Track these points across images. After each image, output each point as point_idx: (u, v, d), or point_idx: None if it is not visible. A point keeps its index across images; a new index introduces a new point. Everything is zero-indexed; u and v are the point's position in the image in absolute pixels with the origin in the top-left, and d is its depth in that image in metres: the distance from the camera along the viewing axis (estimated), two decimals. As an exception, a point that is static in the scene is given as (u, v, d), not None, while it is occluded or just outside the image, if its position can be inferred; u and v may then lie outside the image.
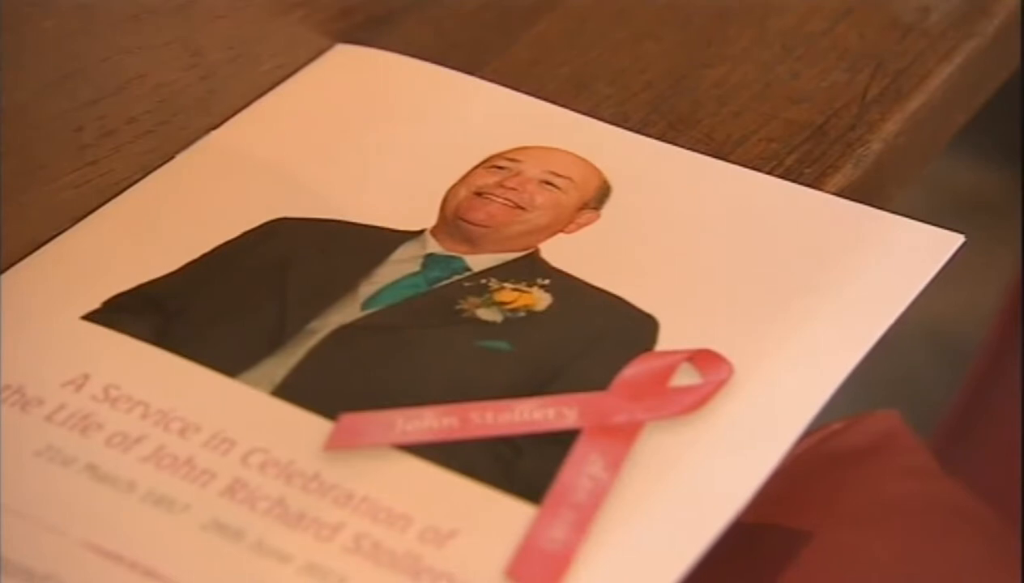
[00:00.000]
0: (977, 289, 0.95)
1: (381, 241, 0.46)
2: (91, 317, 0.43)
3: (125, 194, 0.47)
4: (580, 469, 0.39)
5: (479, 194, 0.47)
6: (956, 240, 0.45)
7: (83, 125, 0.46)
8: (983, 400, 0.80)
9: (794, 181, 0.48)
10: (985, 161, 1.21)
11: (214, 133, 0.50)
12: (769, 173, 0.48)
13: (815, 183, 0.48)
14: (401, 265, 0.45)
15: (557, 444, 0.39)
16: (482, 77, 0.52)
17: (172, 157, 0.49)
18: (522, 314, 0.43)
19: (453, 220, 0.47)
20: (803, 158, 0.49)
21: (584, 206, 0.47)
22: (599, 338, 0.43)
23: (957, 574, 0.48)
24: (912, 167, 0.52)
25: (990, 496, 0.54)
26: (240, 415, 0.41)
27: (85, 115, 0.46)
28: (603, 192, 0.48)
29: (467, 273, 0.45)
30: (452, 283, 0.44)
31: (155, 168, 0.48)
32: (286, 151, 0.50)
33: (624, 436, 0.40)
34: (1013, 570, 0.49)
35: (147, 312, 0.44)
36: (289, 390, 0.41)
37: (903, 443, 0.53)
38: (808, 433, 0.41)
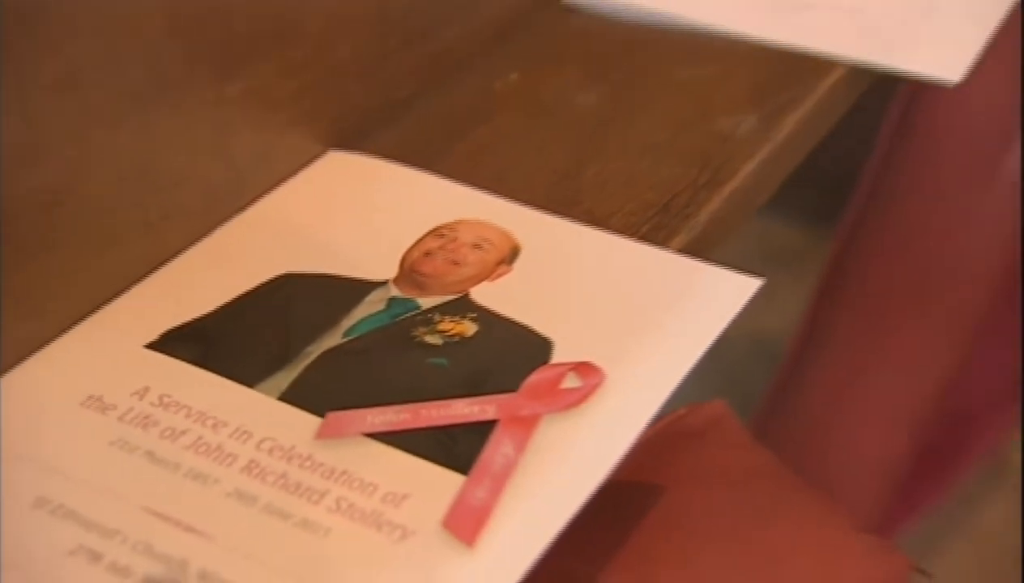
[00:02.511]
0: (789, 309, 0.96)
1: (358, 288, 0.45)
2: (151, 345, 0.43)
3: (178, 258, 0.47)
4: (497, 449, 0.38)
5: (427, 254, 0.47)
6: (758, 282, 0.45)
7: (145, 211, 0.45)
8: (785, 394, 0.80)
9: (648, 243, 0.47)
10: (790, 220, 1.21)
11: (241, 214, 0.49)
12: (631, 238, 0.48)
13: (662, 244, 0.48)
14: (372, 305, 0.45)
15: (481, 432, 0.39)
16: (436, 170, 0.52)
17: (211, 232, 0.48)
18: (457, 339, 0.43)
19: (409, 273, 0.46)
20: (654, 227, 0.49)
21: (502, 262, 0.47)
22: (511, 355, 0.42)
23: (763, 517, 0.47)
24: (729, 231, 0.51)
25: (791, 461, 0.54)
26: (255, 414, 0.40)
27: (151, 203, 0.45)
28: (515, 252, 0.47)
29: (418, 310, 0.44)
30: (408, 317, 0.44)
31: (199, 239, 0.47)
32: (293, 227, 0.49)
33: (528, 425, 0.39)
34: (803, 513, 0.49)
35: (191, 342, 0.43)
36: (291, 396, 0.41)
37: (729, 424, 0.53)
38: (660, 417, 0.41)
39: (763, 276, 0.45)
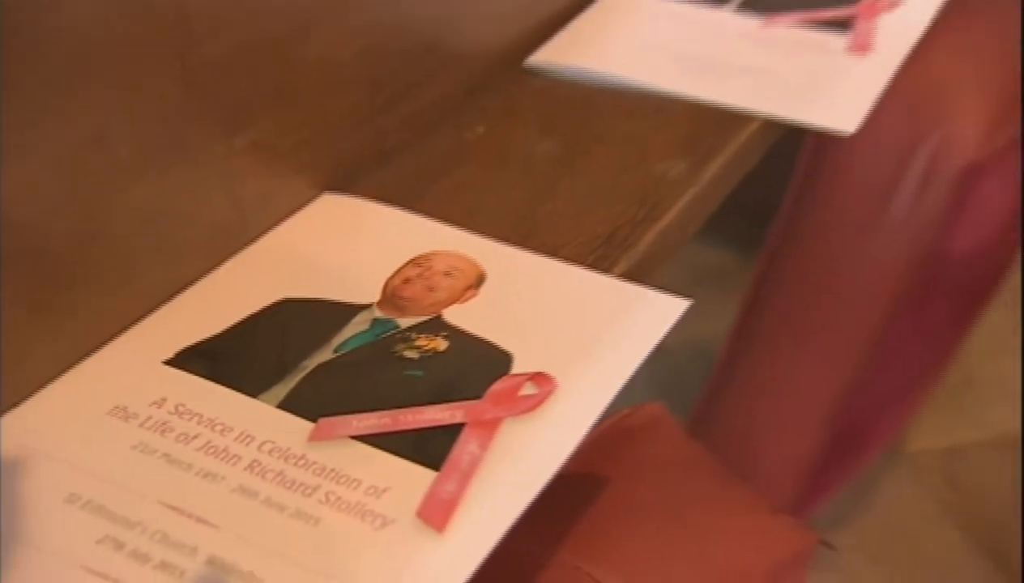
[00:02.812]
0: (722, 322, 0.96)
1: (346, 311, 0.45)
2: (168, 362, 0.42)
3: (191, 288, 0.46)
4: (464, 448, 0.38)
5: (407, 281, 0.47)
6: (687, 303, 0.45)
7: (164, 247, 0.45)
8: (716, 397, 0.80)
9: (594, 270, 0.47)
10: (724, 246, 1.21)
11: (247, 249, 0.49)
12: (579, 265, 0.48)
13: (606, 271, 0.48)
14: (358, 325, 0.44)
15: (450, 433, 0.39)
16: (414, 209, 0.51)
17: (220, 264, 0.47)
18: (431, 354, 0.43)
19: (390, 297, 0.46)
20: (599, 257, 0.48)
21: (470, 287, 0.46)
22: (477, 367, 0.42)
23: (695, 502, 0.47)
24: (663, 259, 0.51)
25: (721, 455, 0.54)
26: (257, 420, 0.40)
27: (169, 241, 0.45)
28: (481, 279, 0.47)
29: (398, 329, 0.44)
30: (389, 335, 0.44)
31: (209, 271, 0.47)
32: (291, 259, 0.48)
33: (491, 427, 0.39)
34: (730, 498, 0.49)
35: (202, 358, 0.42)
36: (288, 404, 0.40)
37: (666, 423, 0.53)
38: (607, 416, 0.41)
39: (696, 296, 0.45)
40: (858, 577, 0.88)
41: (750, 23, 0.67)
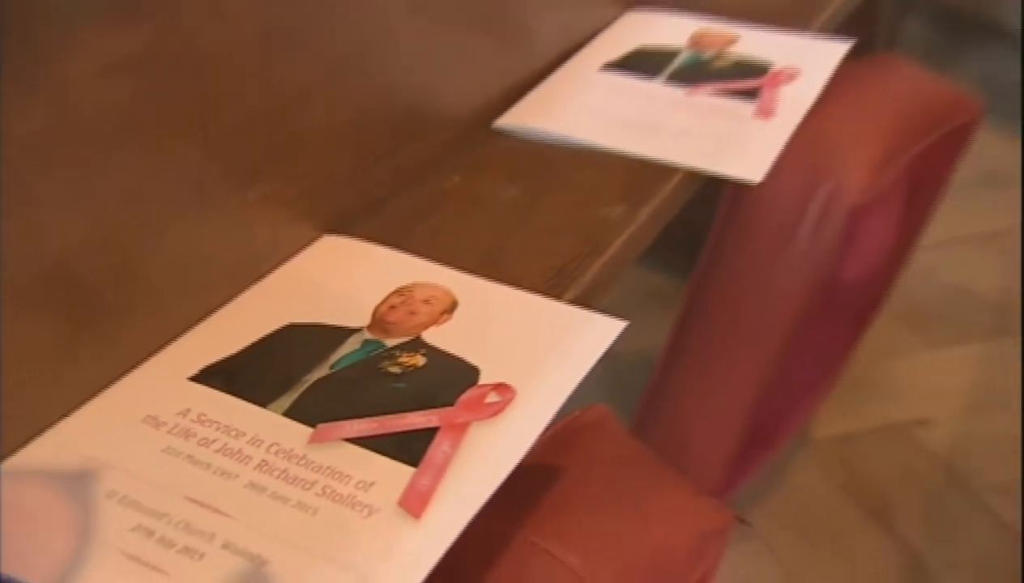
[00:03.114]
0: (662, 334, 0.96)
1: (342, 333, 0.45)
2: (193, 378, 0.42)
3: (212, 317, 0.46)
4: (438, 448, 0.38)
5: (392, 308, 0.47)
6: (623, 323, 0.45)
7: (189, 283, 0.45)
8: (654, 399, 0.80)
9: (547, 297, 0.48)
10: (664, 272, 1.21)
11: (258, 283, 0.48)
12: (536, 293, 0.48)
13: (557, 297, 0.48)
14: (351, 345, 0.44)
15: (427, 435, 0.39)
16: (400, 247, 0.51)
17: (236, 297, 0.47)
18: (412, 369, 0.43)
19: (378, 321, 0.46)
20: (552, 286, 0.49)
21: (445, 312, 0.47)
22: (450, 379, 0.42)
23: (634, 489, 0.47)
24: (606, 287, 0.51)
25: (659, 448, 0.53)
26: (266, 426, 0.39)
27: (192, 278, 0.45)
28: (454, 305, 0.47)
29: (384, 348, 0.44)
30: (377, 354, 0.44)
31: (227, 302, 0.47)
32: (295, 291, 0.48)
33: (461, 430, 0.39)
34: (662, 485, 0.49)
35: (221, 375, 0.42)
36: (292, 412, 0.40)
37: (610, 422, 0.52)
38: (560, 417, 0.41)
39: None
40: (771, 544, 0.89)
41: (676, 92, 0.68)
